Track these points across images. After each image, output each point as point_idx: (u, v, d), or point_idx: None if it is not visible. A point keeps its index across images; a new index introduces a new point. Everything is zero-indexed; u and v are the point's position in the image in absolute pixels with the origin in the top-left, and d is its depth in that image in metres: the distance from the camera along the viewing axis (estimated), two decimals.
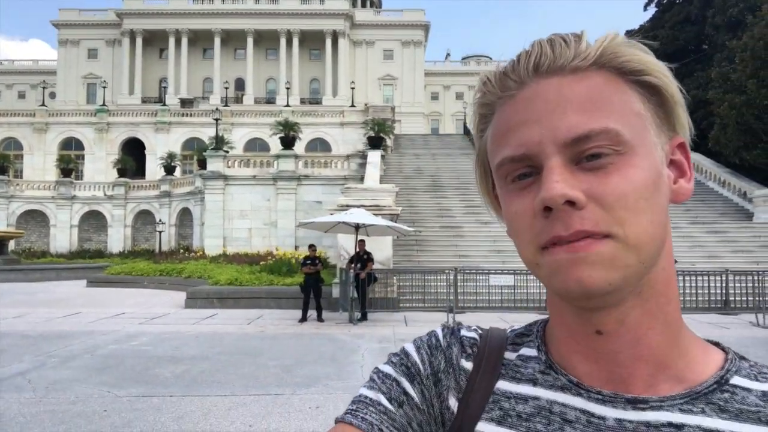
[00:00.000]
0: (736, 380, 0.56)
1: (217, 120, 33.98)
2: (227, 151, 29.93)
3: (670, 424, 0.53)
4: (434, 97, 74.21)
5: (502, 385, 0.62)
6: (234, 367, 8.22)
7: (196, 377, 7.61)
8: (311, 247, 14.18)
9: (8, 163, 40.37)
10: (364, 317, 13.23)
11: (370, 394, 0.64)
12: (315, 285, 13.29)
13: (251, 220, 27.57)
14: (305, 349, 9.78)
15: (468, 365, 0.65)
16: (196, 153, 34.89)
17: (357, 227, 13.34)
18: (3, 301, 17.63)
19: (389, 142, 35.82)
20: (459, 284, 14.24)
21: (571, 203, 0.50)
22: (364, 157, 27.45)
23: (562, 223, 0.51)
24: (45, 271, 26.88)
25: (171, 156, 39.51)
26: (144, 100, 61.60)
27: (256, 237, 27.35)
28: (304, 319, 13.03)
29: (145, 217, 38.95)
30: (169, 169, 38.21)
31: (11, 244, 34.68)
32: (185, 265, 21.66)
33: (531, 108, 0.54)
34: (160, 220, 34.26)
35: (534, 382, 0.60)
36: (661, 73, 0.56)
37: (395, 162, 31.88)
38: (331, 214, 16.02)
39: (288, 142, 28.64)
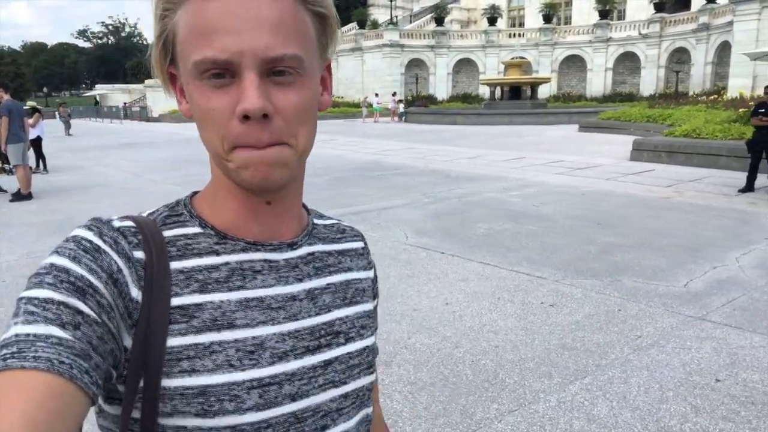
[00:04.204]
0: (314, 221, 0.83)
1: None
2: None
3: (308, 254, 0.77)
4: None
5: (183, 263, 0.68)
6: (546, 237, 6.95)
7: (480, 240, 6.86)
8: None
9: (554, 11, 42.78)
10: None
11: (32, 329, 0.55)
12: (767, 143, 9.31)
13: None
14: (682, 229, 7.25)
15: (140, 254, 0.66)
16: None
17: None
18: (486, 142, 19.83)
19: None
20: None
21: (265, 115, 0.61)
22: None
23: (256, 136, 0.62)
24: (558, 115, 28.08)
25: None
26: None
27: None
28: (749, 188, 9.50)
29: (680, 55, 35.03)
30: None
31: (549, 89, 37.86)
32: (673, 111, 18.71)
33: (234, 18, 0.60)
34: (677, 60, 30.21)
35: (217, 253, 0.70)
36: (330, 4, 0.67)
37: None
38: None
39: None
